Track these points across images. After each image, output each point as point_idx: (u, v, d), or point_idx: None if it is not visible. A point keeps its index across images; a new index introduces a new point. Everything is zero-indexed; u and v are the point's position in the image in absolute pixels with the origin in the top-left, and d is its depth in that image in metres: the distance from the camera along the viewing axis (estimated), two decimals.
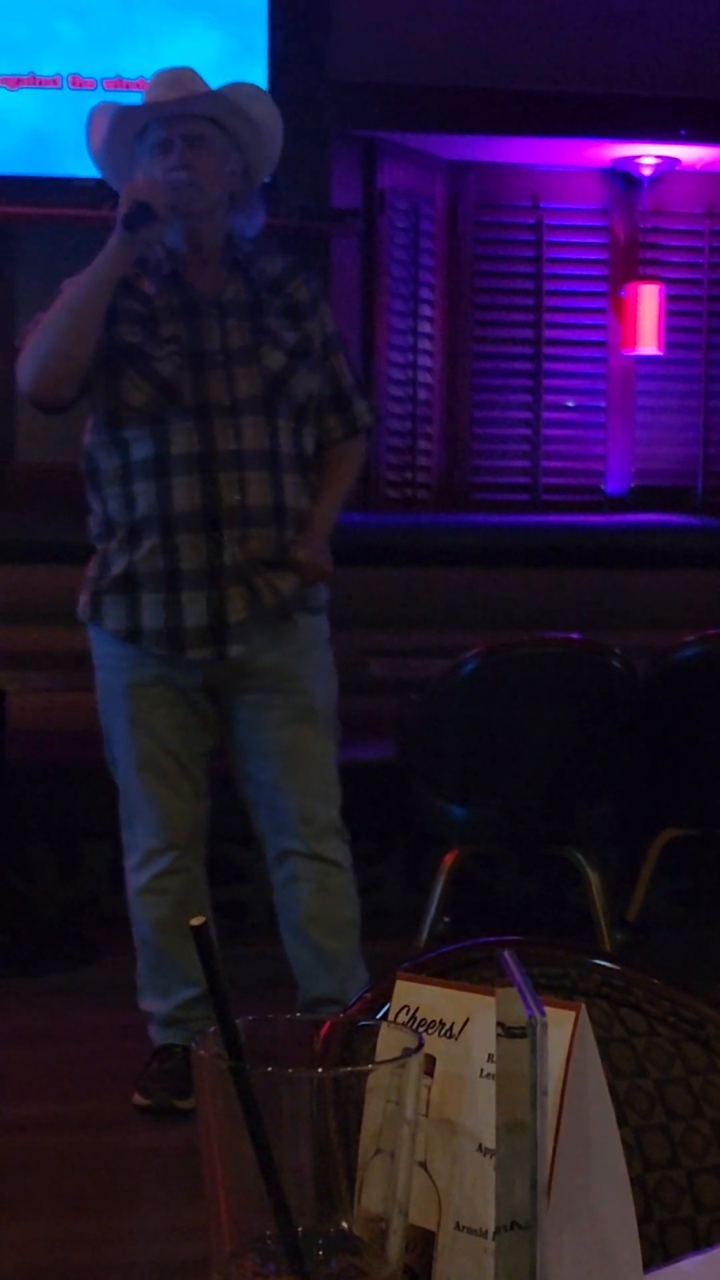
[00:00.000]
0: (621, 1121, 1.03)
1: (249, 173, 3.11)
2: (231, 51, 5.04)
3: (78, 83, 5.10)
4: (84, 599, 3.12)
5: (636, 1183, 1.02)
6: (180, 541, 2.99)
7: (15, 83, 5.06)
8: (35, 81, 5.06)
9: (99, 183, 5.05)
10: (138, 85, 5.04)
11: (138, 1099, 3.16)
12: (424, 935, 3.89)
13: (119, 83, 5.08)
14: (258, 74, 5.02)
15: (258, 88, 3.12)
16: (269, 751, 3.10)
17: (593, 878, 3.90)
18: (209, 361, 3.01)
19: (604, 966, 1.13)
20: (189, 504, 2.98)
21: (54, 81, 5.06)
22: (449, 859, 3.92)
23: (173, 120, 3.00)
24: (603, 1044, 1.05)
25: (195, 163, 3.00)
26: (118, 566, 3.05)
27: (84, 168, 5.12)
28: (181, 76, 3.07)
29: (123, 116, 3.02)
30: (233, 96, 3.03)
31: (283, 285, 3.11)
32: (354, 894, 3.18)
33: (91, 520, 3.13)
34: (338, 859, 3.15)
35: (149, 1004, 3.18)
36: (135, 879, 3.14)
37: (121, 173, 3.09)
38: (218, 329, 3.03)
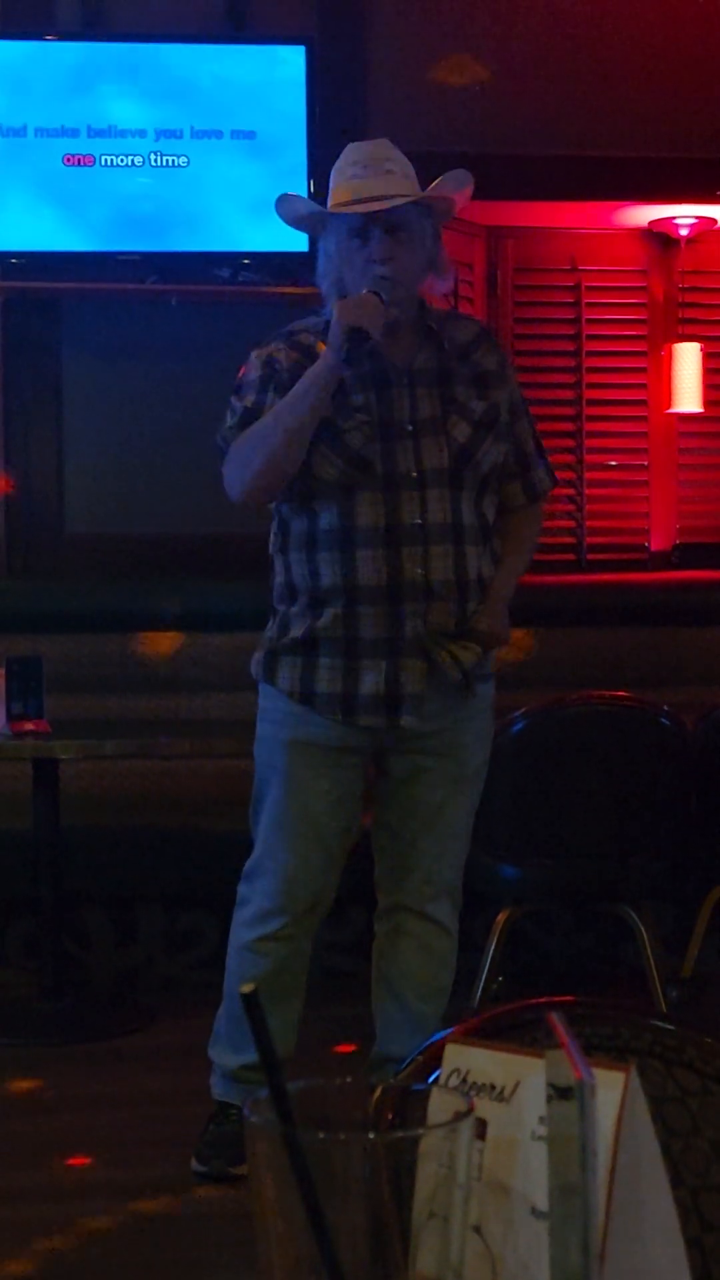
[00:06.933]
0: (678, 1182, 1.03)
1: (438, 231, 3.09)
2: (271, 126, 5.11)
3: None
4: (259, 656, 3.12)
5: (694, 1244, 1.01)
6: (361, 613, 3.00)
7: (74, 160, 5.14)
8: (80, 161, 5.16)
9: (143, 256, 5.17)
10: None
11: (195, 1165, 3.16)
12: (478, 995, 3.88)
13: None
14: (297, 146, 5.09)
15: (461, 173, 3.06)
16: (415, 810, 3.11)
17: (645, 935, 3.89)
18: (397, 432, 3.01)
19: (656, 1026, 1.13)
20: (373, 578, 2.99)
21: (88, 160, 5.15)
22: (502, 918, 3.92)
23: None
24: (657, 1104, 1.06)
25: (396, 252, 2.98)
26: (298, 629, 3.05)
27: (129, 242, 5.23)
28: (377, 154, 3.04)
29: (317, 215, 3.05)
30: (435, 192, 3.02)
31: (471, 352, 3.10)
32: (453, 962, 3.18)
33: (274, 581, 3.14)
34: (447, 924, 3.15)
35: (218, 1055, 3.17)
36: (242, 933, 3.12)
37: (312, 230, 3.10)
38: (408, 398, 3.03)
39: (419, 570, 2.99)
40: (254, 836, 3.14)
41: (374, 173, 3.00)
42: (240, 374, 3.10)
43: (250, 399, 3.05)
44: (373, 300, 2.93)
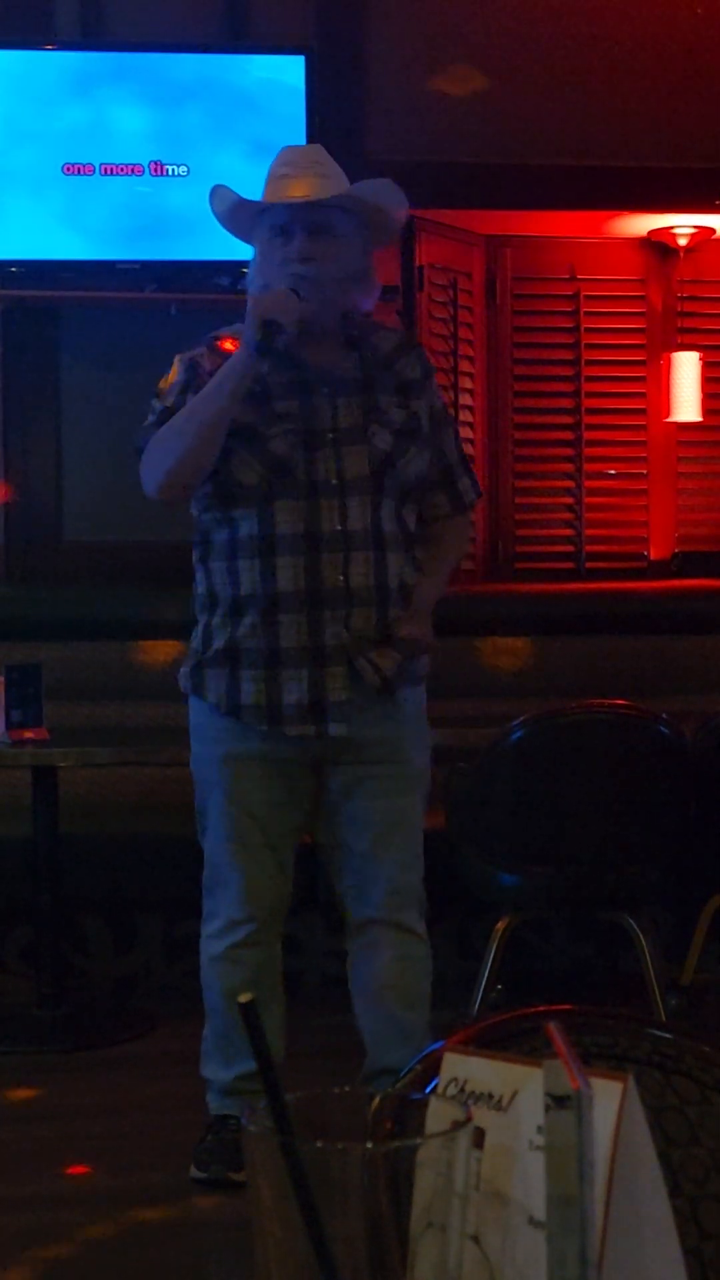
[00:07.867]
0: (676, 1191, 1.03)
1: (368, 248, 3.10)
2: (271, 135, 5.11)
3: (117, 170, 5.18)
4: (186, 669, 3.13)
5: (693, 1253, 1.01)
6: (282, 620, 3.00)
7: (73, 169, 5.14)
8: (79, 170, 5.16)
9: (143, 264, 5.17)
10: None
11: (194, 1172, 3.16)
12: (477, 1003, 3.88)
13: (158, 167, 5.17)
14: None
15: (388, 183, 3.07)
16: (367, 821, 3.10)
17: (644, 943, 3.88)
18: (319, 440, 3.02)
19: (655, 1035, 1.13)
20: (292, 584, 2.99)
21: (88, 169, 5.15)
22: (500, 926, 3.92)
23: (295, 206, 2.99)
24: (655, 1113, 1.06)
25: (316, 254, 2.98)
26: (220, 640, 3.06)
27: (128, 250, 5.23)
28: (310, 157, 3.06)
29: (241, 206, 3.04)
30: (361, 194, 3.02)
31: (393, 362, 3.11)
32: (430, 967, 3.17)
33: (196, 591, 3.14)
34: (419, 930, 3.15)
35: (210, 1071, 3.17)
36: (212, 946, 3.13)
37: (245, 233, 3.10)
38: (329, 407, 3.03)
39: (339, 577, 2.99)
40: (203, 849, 3.15)
41: (305, 173, 3.01)
42: (164, 378, 3.12)
43: (170, 400, 3.07)
44: (288, 294, 2.95)
